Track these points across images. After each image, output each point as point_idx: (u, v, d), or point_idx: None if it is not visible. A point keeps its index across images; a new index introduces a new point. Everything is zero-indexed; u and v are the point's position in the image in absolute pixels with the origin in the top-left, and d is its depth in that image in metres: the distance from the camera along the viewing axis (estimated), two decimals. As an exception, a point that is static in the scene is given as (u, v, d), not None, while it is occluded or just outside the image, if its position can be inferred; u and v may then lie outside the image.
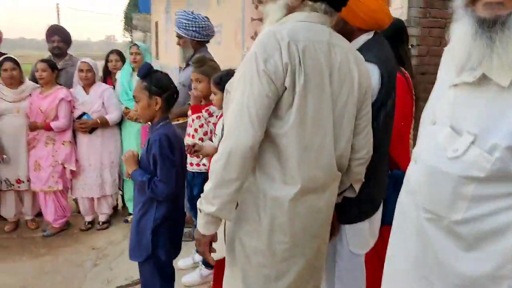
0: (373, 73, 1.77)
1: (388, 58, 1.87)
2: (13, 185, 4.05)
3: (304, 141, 1.51)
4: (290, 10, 1.60)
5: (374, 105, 1.80)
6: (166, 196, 2.11)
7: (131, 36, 23.63)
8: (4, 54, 4.23)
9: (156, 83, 2.14)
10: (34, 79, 4.17)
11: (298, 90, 1.46)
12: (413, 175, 1.29)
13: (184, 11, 3.58)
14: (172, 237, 2.24)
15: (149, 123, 2.23)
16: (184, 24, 3.47)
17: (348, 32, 1.86)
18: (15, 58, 3.97)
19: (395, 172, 2.13)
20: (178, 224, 2.32)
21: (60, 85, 4.06)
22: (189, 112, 2.95)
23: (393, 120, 1.95)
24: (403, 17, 3.36)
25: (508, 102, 1.04)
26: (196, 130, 2.89)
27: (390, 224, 1.44)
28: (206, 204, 1.50)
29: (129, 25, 24.92)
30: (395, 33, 2.43)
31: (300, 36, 1.49)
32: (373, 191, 1.89)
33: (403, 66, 2.46)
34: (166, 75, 2.22)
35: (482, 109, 1.09)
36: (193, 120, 2.90)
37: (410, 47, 3.21)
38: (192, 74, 2.98)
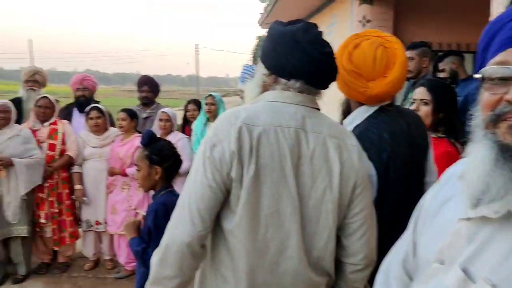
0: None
1: (384, 139, 1.51)
2: (92, 226, 4.27)
3: (256, 242, 1.26)
4: (265, 88, 1.39)
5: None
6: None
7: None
8: (97, 102, 4.58)
9: (157, 152, 2.04)
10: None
11: (246, 182, 1.23)
12: None
13: (251, 65, 3.48)
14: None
15: (152, 191, 2.11)
16: (246, 79, 3.37)
17: (349, 105, 1.56)
18: (101, 107, 4.25)
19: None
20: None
21: (140, 133, 4.22)
22: None
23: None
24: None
25: None
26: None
27: None
28: None
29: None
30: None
31: (259, 120, 1.25)
32: None
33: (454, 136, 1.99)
34: (169, 143, 2.10)
35: (506, 253, 0.81)
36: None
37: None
38: None
